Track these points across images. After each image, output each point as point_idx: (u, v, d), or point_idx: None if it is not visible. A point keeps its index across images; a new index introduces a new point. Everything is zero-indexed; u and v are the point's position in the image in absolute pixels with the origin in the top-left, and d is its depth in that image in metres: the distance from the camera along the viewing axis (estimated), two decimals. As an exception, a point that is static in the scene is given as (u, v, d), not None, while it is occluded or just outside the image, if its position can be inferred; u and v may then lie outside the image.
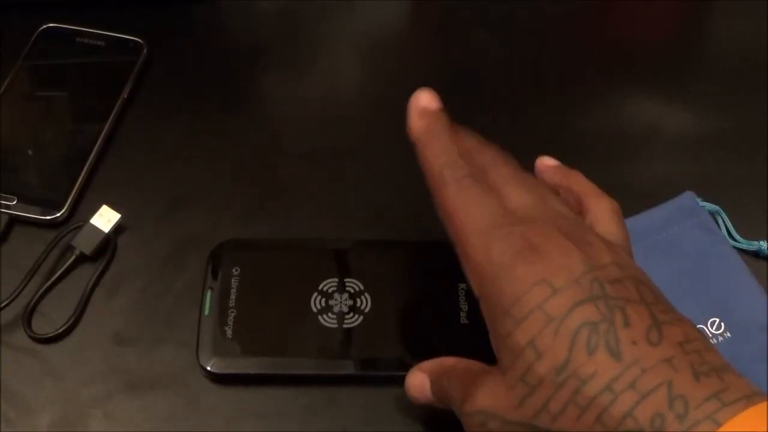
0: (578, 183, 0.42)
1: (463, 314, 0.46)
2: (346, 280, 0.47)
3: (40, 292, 0.48)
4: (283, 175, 0.54)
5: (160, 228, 0.51)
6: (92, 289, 0.48)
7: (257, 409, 0.45)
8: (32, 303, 0.47)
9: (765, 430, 0.29)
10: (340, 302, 0.47)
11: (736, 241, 0.50)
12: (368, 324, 0.46)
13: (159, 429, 0.44)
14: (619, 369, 0.31)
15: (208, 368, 0.45)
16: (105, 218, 0.49)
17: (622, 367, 0.31)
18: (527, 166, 0.54)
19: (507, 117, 0.56)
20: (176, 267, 0.49)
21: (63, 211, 0.51)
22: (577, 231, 0.35)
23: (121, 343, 0.47)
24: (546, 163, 0.43)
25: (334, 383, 0.45)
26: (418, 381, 0.40)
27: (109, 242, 0.49)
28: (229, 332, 0.45)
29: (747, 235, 0.50)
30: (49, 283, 0.48)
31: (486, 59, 0.60)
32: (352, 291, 0.47)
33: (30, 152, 0.54)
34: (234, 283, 0.47)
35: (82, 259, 0.49)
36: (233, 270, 0.48)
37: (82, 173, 0.52)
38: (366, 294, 0.47)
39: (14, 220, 0.51)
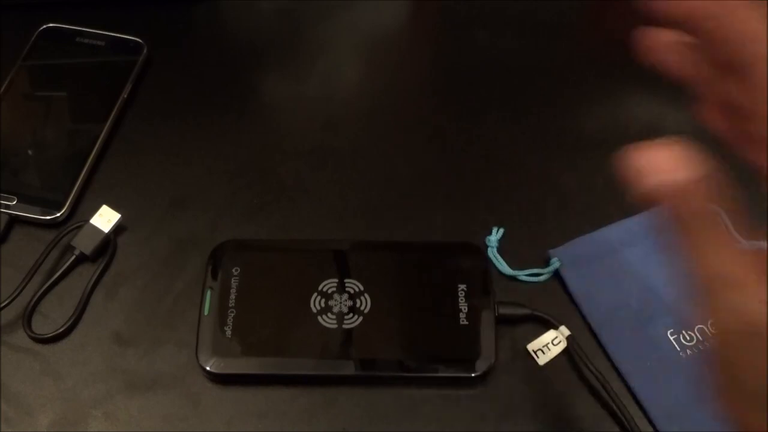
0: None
1: (462, 315, 0.46)
2: (345, 280, 0.47)
3: (40, 292, 0.48)
4: (283, 175, 0.54)
5: (160, 228, 0.51)
6: (92, 289, 0.48)
7: (257, 409, 0.45)
8: (32, 303, 0.47)
9: None
10: (340, 303, 0.47)
11: (735, 241, 0.50)
12: (368, 324, 0.46)
13: (159, 429, 0.44)
14: None
15: (208, 368, 0.45)
16: (105, 218, 0.49)
17: None
18: (527, 165, 0.54)
19: (507, 117, 0.56)
20: (176, 267, 0.50)
21: (63, 211, 0.51)
22: None
23: (121, 343, 0.47)
24: None
25: (334, 383, 0.45)
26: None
27: (109, 242, 0.50)
28: (228, 332, 0.45)
29: (747, 235, 0.50)
30: (49, 283, 0.48)
31: (486, 59, 0.60)
32: (351, 291, 0.47)
33: (30, 152, 0.54)
34: (234, 283, 0.47)
35: (82, 259, 0.49)
36: (233, 270, 0.48)
37: (82, 173, 0.52)
38: (366, 294, 0.47)
39: (14, 220, 0.51)
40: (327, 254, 0.49)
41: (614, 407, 0.44)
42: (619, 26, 0.63)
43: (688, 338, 0.46)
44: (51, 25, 0.59)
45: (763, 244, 0.50)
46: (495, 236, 0.50)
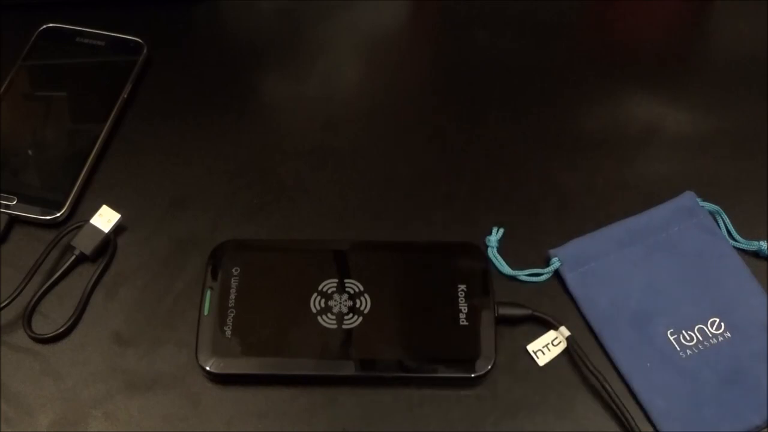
0: None
1: (462, 315, 0.46)
2: (345, 280, 0.47)
3: (40, 292, 0.48)
4: (283, 175, 0.54)
5: (160, 228, 0.51)
6: (92, 289, 0.48)
7: (257, 409, 0.45)
8: (32, 303, 0.47)
9: None
10: (340, 303, 0.47)
11: (736, 241, 0.50)
12: (368, 325, 0.46)
13: (159, 429, 0.44)
14: None
15: (208, 368, 0.45)
16: (105, 218, 0.49)
17: None
18: (527, 165, 0.54)
19: (507, 117, 0.56)
20: (176, 267, 0.50)
21: (63, 211, 0.51)
22: None
23: (121, 343, 0.47)
24: None
25: (334, 384, 0.45)
26: None
27: (109, 242, 0.50)
28: (228, 332, 0.45)
29: (747, 235, 0.50)
30: (49, 283, 0.48)
31: (486, 59, 0.60)
32: (351, 292, 0.47)
33: (30, 152, 0.54)
34: (234, 283, 0.47)
35: (82, 259, 0.49)
36: (233, 270, 0.48)
37: (82, 173, 0.52)
38: (365, 295, 0.47)
39: (14, 220, 0.51)
40: (327, 254, 0.49)
41: (614, 407, 0.44)
42: (619, 26, 0.63)
43: (688, 338, 0.46)
44: (51, 25, 0.59)
45: (763, 244, 0.51)
46: (495, 236, 0.50)
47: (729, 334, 0.46)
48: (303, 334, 0.46)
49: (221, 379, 0.45)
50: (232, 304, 0.46)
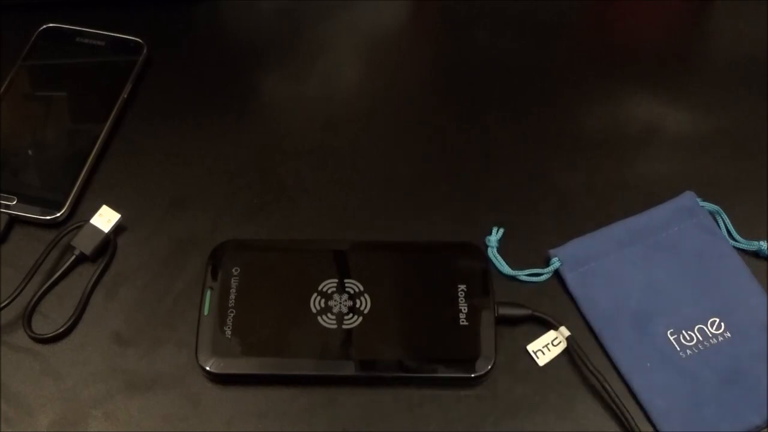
0: None
1: (462, 315, 0.46)
2: (345, 280, 0.47)
3: (40, 292, 0.48)
4: (283, 175, 0.54)
5: (160, 228, 0.51)
6: (92, 289, 0.48)
7: (257, 409, 0.45)
8: (32, 303, 0.47)
9: None
10: (340, 303, 0.47)
11: (736, 241, 0.50)
12: (368, 325, 0.46)
13: (159, 429, 0.44)
14: None
15: (208, 368, 0.45)
16: (105, 218, 0.50)
17: None
18: (527, 165, 0.54)
19: (507, 117, 0.56)
20: (176, 267, 0.50)
21: (63, 211, 0.51)
22: None
23: (121, 343, 0.47)
24: None
25: (334, 384, 0.45)
26: None
27: (109, 242, 0.50)
28: (228, 332, 0.45)
29: (747, 235, 0.50)
30: (49, 283, 0.48)
31: (486, 59, 0.60)
32: (351, 292, 0.47)
33: (30, 152, 0.54)
34: (234, 283, 0.47)
35: (82, 259, 0.49)
36: (233, 270, 0.48)
37: (82, 173, 0.52)
38: (365, 295, 0.47)
39: (14, 220, 0.51)
40: (327, 254, 0.49)
41: (614, 407, 0.44)
42: (619, 26, 0.63)
43: (688, 338, 0.46)
44: (51, 25, 0.59)
45: (763, 244, 0.51)
46: (495, 236, 0.50)
47: (729, 334, 0.46)
48: (303, 334, 0.46)
49: (221, 379, 0.45)
50: (232, 304, 0.46)
